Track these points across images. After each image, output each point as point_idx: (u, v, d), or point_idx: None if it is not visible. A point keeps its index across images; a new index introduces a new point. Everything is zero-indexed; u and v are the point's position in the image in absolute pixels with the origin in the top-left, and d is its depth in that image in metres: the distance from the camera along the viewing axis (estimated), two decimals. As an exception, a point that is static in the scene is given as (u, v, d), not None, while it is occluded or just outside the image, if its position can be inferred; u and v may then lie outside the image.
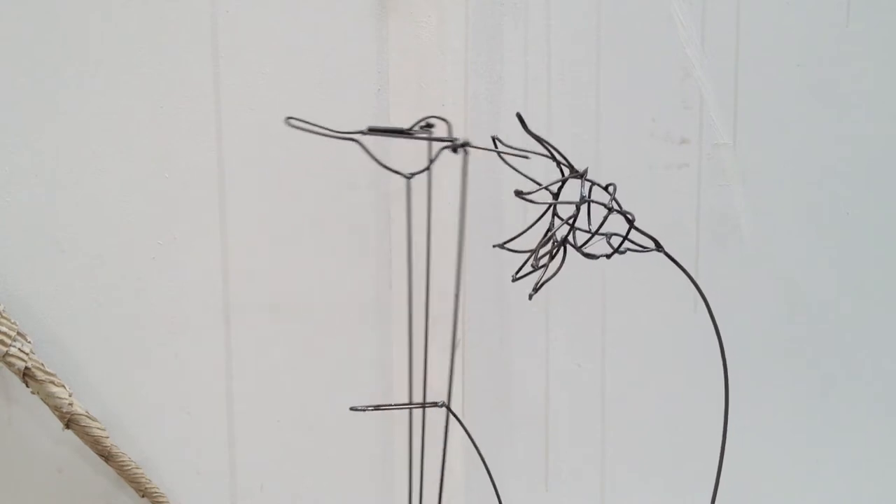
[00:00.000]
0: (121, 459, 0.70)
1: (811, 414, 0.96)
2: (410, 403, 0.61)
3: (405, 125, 0.57)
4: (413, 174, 0.54)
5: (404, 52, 0.77)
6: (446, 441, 0.61)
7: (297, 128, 0.50)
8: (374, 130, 0.53)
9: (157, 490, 0.72)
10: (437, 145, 0.54)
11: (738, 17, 0.87)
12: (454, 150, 0.52)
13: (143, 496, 0.72)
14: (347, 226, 0.77)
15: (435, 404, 0.60)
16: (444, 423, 0.60)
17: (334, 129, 0.52)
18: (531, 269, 0.54)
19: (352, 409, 0.60)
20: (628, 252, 0.57)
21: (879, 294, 0.97)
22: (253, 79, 0.73)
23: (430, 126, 0.56)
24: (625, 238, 0.57)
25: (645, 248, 0.58)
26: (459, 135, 0.55)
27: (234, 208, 0.74)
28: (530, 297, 0.54)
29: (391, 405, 0.64)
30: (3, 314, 0.66)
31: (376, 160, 0.52)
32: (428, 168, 0.56)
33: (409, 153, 0.71)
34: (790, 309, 0.94)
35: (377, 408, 0.61)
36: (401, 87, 0.77)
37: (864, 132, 0.94)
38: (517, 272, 0.56)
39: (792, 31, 0.90)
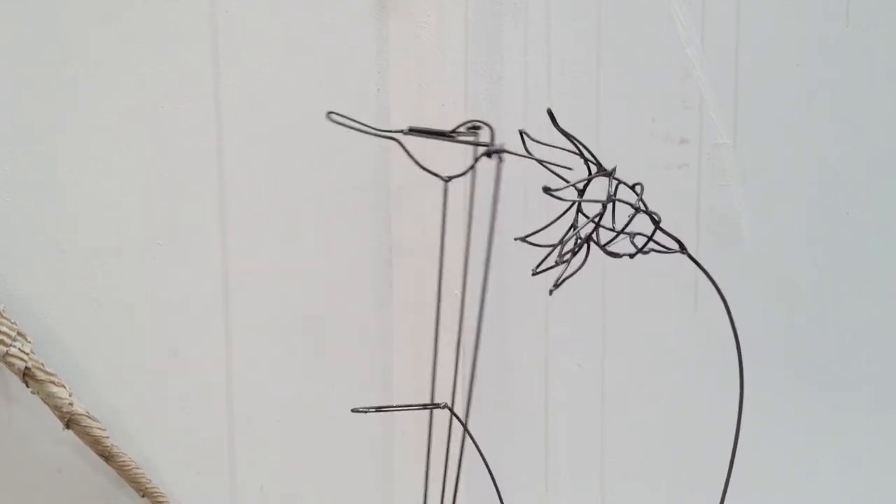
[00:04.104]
0: (121, 459, 0.70)
1: (811, 414, 0.96)
2: (413, 405, 0.61)
3: (444, 127, 0.56)
4: (451, 177, 0.54)
5: (404, 52, 0.77)
6: (449, 444, 0.61)
7: (339, 123, 0.50)
8: (414, 131, 0.53)
9: (157, 490, 0.72)
10: (478, 149, 0.54)
11: (738, 17, 0.87)
12: (489, 155, 0.52)
13: (143, 496, 0.72)
14: (348, 225, 0.77)
15: (438, 405, 0.60)
16: (448, 424, 0.60)
17: (373, 127, 0.52)
18: (554, 263, 0.54)
19: (353, 410, 0.59)
20: (652, 253, 0.57)
21: (879, 294, 0.97)
22: (253, 79, 0.73)
23: (476, 128, 0.55)
24: (649, 238, 0.56)
25: (668, 250, 0.58)
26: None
27: (234, 208, 0.74)
28: (551, 292, 0.53)
29: (393, 406, 0.64)
30: (3, 314, 0.66)
31: (416, 161, 0.52)
32: (466, 172, 0.55)
33: (444, 154, 0.70)
34: (790, 309, 0.94)
35: (379, 409, 0.60)
36: (401, 87, 0.77)
37: (864, 132, 0.94)
38: (538, 266, 0.55)
39: (792, 31, 0.90)
